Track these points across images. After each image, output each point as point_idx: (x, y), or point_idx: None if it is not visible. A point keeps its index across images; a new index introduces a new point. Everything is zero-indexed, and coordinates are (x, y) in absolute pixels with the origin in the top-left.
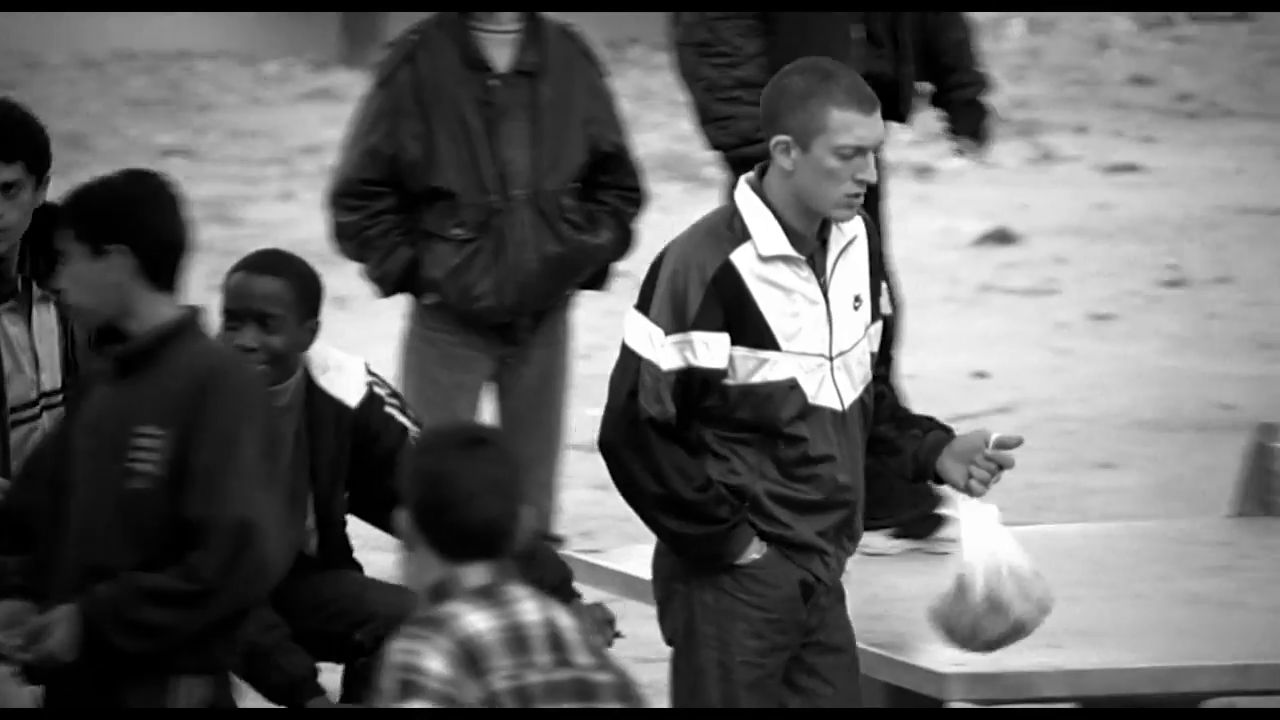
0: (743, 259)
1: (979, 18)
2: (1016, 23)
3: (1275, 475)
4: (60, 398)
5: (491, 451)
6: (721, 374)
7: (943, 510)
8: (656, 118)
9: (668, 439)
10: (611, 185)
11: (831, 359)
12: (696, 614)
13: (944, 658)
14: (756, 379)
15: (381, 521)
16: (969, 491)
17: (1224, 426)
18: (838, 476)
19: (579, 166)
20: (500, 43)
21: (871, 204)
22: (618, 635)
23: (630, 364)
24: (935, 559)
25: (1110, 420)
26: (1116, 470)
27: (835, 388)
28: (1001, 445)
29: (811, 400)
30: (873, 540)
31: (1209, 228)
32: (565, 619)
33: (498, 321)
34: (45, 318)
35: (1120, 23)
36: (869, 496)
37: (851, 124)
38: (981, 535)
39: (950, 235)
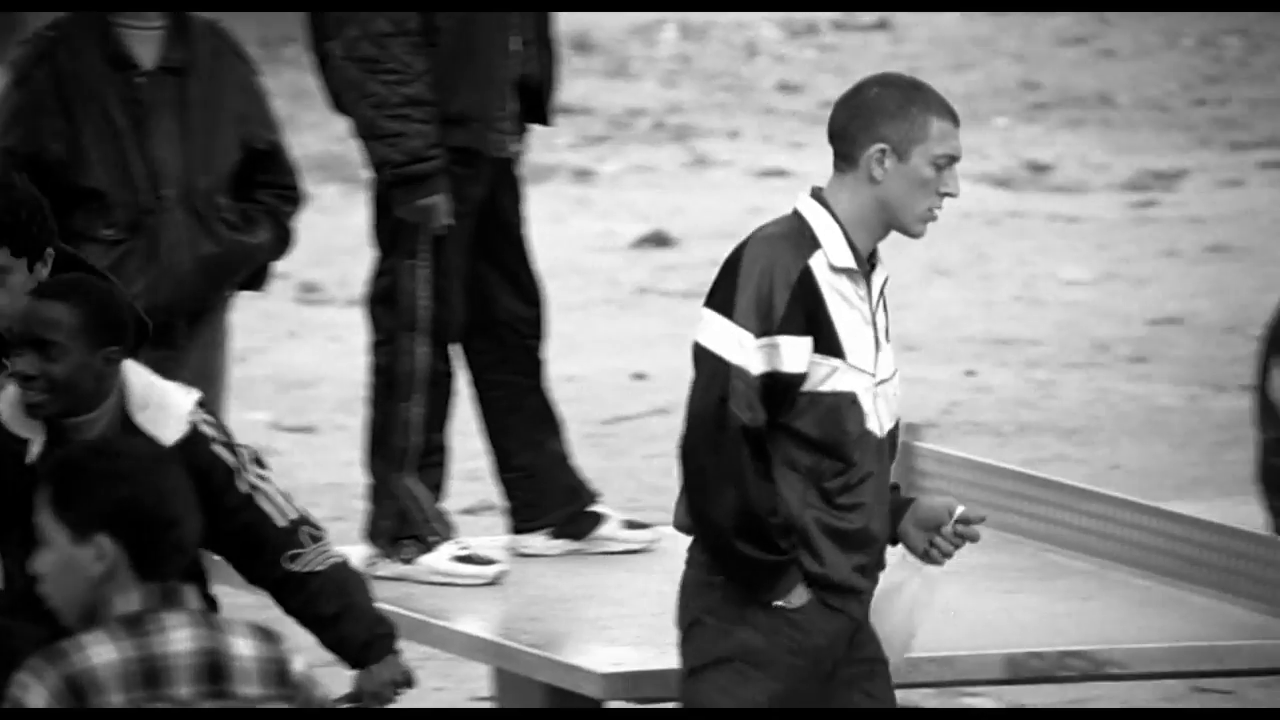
0: (818, 265)
1: (633, 21)
2: (669, 29)
3: (918, 473)
4: None
5: (175, 465)
6: (802, 379)
7: (597, 508)
8: (312, 118)
9: (755, 452)
10: (268, 184)
11: (876, 383)
12: (723, 648)
13: (602, 658)
14: (825, 387)
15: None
16: (928, 560)
17: None
18: (877, 506)
19: (232, 165)
20: (145, 39)
21: (515, 209)
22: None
23: (718, 369)
24: (594, 559)
25: None
26: None
27: (877, 414)
28: (965, 521)
29: (865, 421)
30: (530, 541)
31: None
32: (241, 648)
33: (152, 324)
34: None
35: (768, 30)
36: (522, 499)
37: (947, 134)
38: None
39: (609, 238)
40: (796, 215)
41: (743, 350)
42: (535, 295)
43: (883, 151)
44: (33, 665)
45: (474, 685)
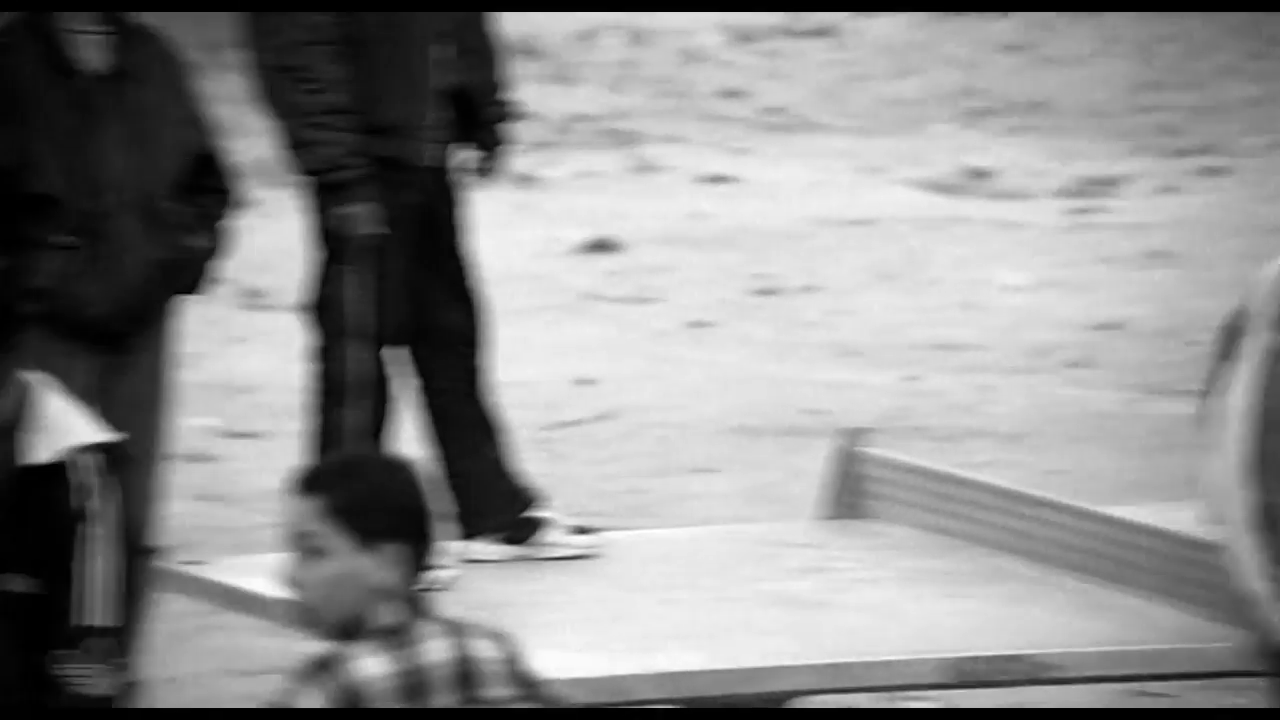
0: None
1: (577, 26)
2: (613, 34)
3: (860, 478)
4: None
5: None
6: None
7: (543, 513)
8: (257, 123)
9: None
10: (205, 189)
11: None
12: None
13: (550, 663)
14: None
15: None
16: None
17: (812, 431)
18: None
19: (177, 169)
20: (88, 44)
21: (452, 217)
22: None
23: None
24: (540, 564)
25: (706, 425)
26: (713, 474)
27: None
28: None
29: None
30: (476, 547)
31: (795, 238)
32: (485, 650)
33: (103, 330)
34: None
35: (710, 36)
36: (465, 505)
37: None
38: None
39: (552, 244)
40: None
41: None
42: (474, 304)
43: None
44: (306, 673)
45: None
